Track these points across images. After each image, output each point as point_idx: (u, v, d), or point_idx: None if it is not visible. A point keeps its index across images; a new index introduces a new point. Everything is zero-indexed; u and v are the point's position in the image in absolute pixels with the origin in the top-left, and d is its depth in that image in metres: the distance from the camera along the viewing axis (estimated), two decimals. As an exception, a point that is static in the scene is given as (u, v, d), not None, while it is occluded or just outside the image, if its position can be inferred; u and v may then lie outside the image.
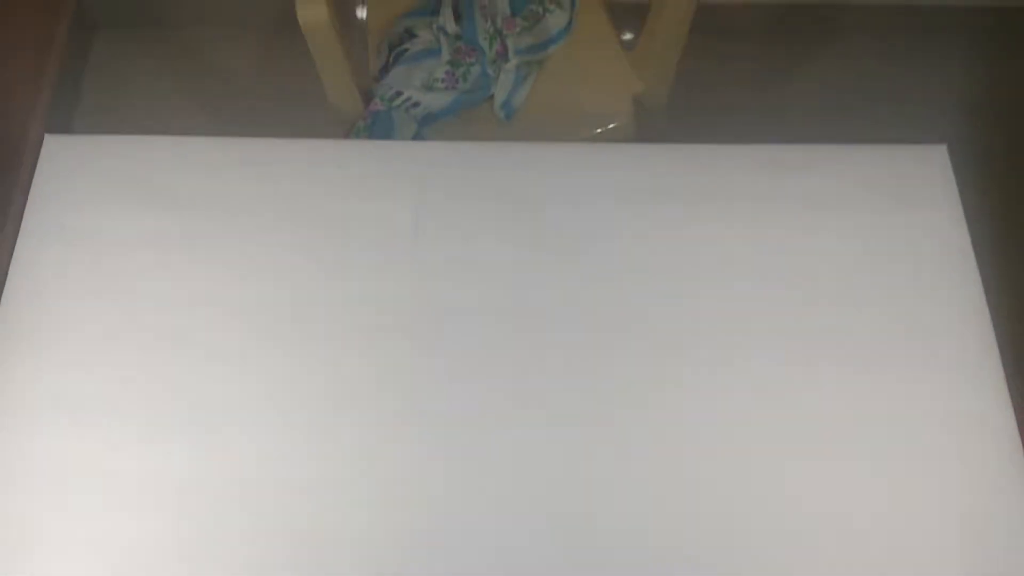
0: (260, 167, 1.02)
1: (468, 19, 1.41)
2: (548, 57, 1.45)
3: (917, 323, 0.94)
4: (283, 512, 0.86)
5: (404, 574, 0.85)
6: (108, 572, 0.84)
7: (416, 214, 0.99)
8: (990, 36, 2.06)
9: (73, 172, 1.01)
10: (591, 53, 1.47)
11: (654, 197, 1.00)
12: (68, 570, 0.84)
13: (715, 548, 0.86)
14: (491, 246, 0.98)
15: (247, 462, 0.88)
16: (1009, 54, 2.06)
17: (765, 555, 0.85)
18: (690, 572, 0.85)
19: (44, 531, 0.86)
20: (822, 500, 0.87)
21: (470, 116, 1.43)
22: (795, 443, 0.89)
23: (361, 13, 2.03)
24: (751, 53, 2.05)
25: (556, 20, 1.45)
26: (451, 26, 1.41)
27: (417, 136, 1.40)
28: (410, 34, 1.44)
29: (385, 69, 1.44)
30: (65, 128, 1.94)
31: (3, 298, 0.95)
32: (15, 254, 0.97)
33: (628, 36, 1.93)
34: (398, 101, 1.39)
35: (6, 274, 0.97)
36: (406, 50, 1.42)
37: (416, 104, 1.39)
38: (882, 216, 1.00)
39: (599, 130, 1.43)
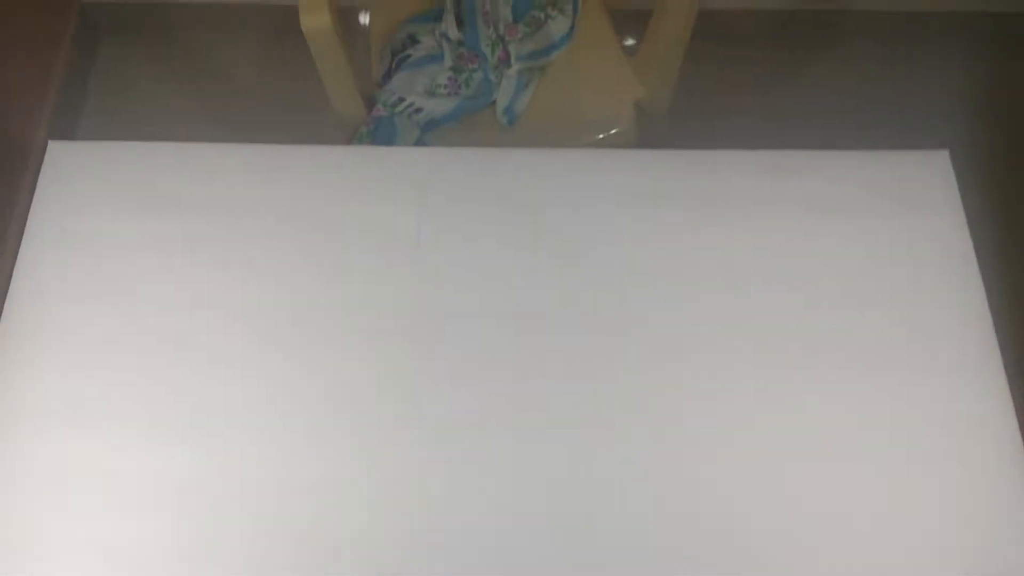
0: (263, 173, 1.02)
1: (470, 25, 1.42)
2: (550, 63, 1.46)
3: (919, 327, 0.94)
4: (283, 514, 0.87)
5: (404, 575, 0.85)
6: (109, 573, 0.84)
7: (418, 219, 1.00)
8: (991, 41, 2.07)
9: (76, 177, 1.01)
10: (593, 59, 1.47)
11: (655, 202, 1.01)
12: (69, 571, 0.84)
13: (715, 549, 0.86)
14: (493, 251, 0.98)
15: (248, 464, 0.89)
16: (1010, 59, 2.06)
17: (765, 556, 0.85)
18: (691, 573, 0.85)
19: (45, 532, 0.86)
20: (823, 502, 0.87)
21: (472, 122, 1.43)
22: (796, 445, 0.89)
23: (364, 19, 2.03)
24: (753, 58, 2.06)
25: (558, 26, 1.45)
26: (453, 32, 1.41)
27: (419, 142, 1.40)
28: (413, 40, 1.44)
29: (388, 75, 1.44)
30: (70, 132, 1.95)
31: (7, 301, 0.96)
32: (19, 258, 0.98)
33: (630, 42, 1.94)
34: (401, 107, 1.39)
35: (10, 278, 0.97)
36: (409, 56, 1.43)
37: (419, 110, 1.39)
38: (884, 221, 1.00)
39: (601, 136, 1.43)
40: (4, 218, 1.69)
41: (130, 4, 2.01)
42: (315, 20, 1.18)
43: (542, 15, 1.45)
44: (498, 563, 0.85)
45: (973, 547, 0.86)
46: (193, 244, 0.98)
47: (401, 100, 1.39)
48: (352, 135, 1.41)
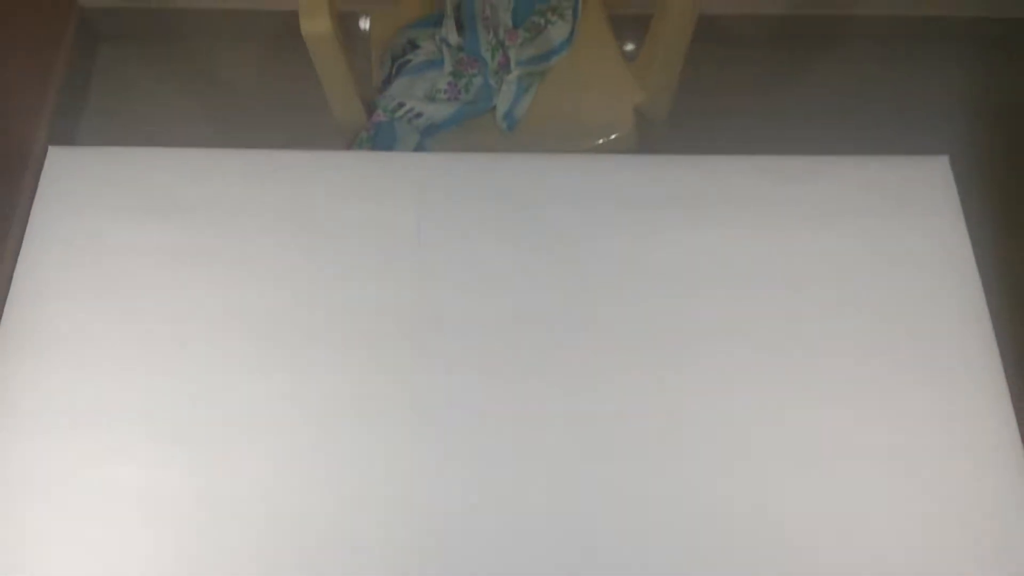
0: (263, 178, 1.02)
1: (470, 30, 1.42)
2: (550, 68, 1.46)
3: (919, 331, 0.95)
4: (286, 517, 0.87)
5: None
6: (110, 581, 0.84)
7: (418, 224, 1.00)
8: (991, 45, 2.07)
9: (76, 183, 1.02)
10: (593, 64, 1.47)
11: (655, 206, 1.01)
12: (68, 574, 0.85)
13: (715, 549, 0.86)
14: (493, 255, 0.98)
15: (250, 468, 0.88)
16: (1010, 63, 2.07)
17: (764, 555, 0.86)
18: (690, 574, 0.85)
19: (45, 536, 0.86)
20: (821, 502, 0.87)
21: (472, 127, 1.43)
22: (796, 447, 0.89)
23: (364, 24, 2.04)
24: (753, 63, 2.06)
25: (558, 31, 1.45)
26: (454, 37, 1.42)
27: (419, 147, 1.40)
28: (413, 45, 1.45)
29: (388, 80, 1.45)
30: (70, 133, 1.95)
31: (7, 307, 0.96)
32: (19, 261, 0.98)
33: (630, 47, 1.95)
34: (400, 112, 1.39)
35: (10, 281, 0.97)
36: (409, 61, 1.43)
37: (419, 115, 1.39)
38: (884, 225, 1.00)
39: (601, 140, 1.43)
40: (4, 220, 1.69)
41: (130, 9, 2.01)
42: (315, 25, 1.18)
43: (542, 20, 1.45)
44: (498, 562, 0.85)
45: (973, 549, 0.86)
46: (193, 249, 0.98)
47: (401, 105, 1.39)
48: (352, 140, 1.41)
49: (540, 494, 0.88)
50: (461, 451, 0.89)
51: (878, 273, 0.98)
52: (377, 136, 1.39)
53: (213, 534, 0.86)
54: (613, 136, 1.43)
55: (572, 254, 0.98)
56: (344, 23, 1.25)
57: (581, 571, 0.85)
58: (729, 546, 0.86)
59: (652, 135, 1.48)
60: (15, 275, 0.97)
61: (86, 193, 1.01)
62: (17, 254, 0.98)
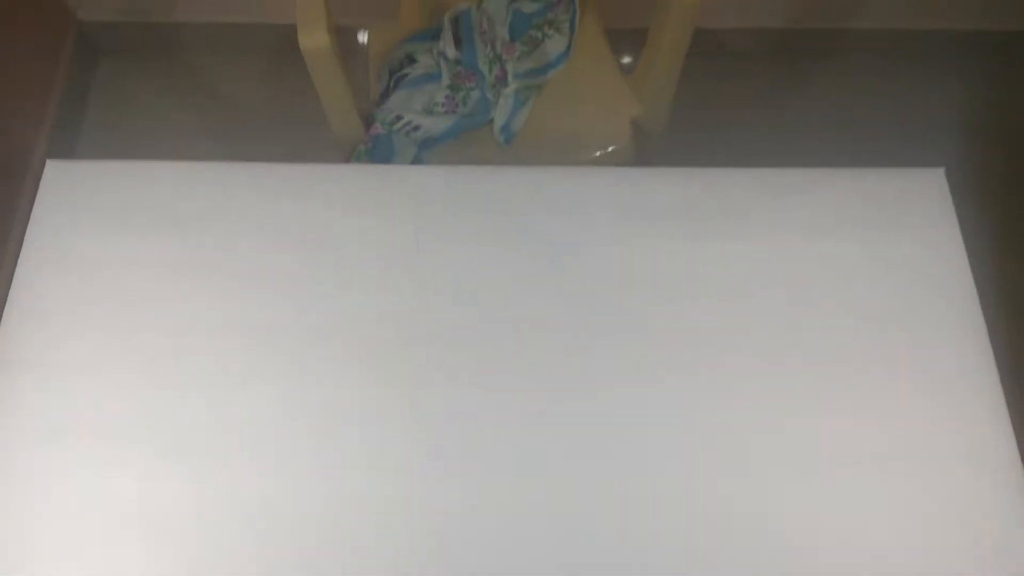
0: (261, 191, 1.02)
1: (468, 44, 1.43)
2: (547, 81, 1.46)
3: (916, 342, 0.95)
4: (285, 526, 0.87)
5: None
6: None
7: (416, 236, 1.00)
8: (989, 59, 2.08)
9: (74, 197, 1.02)
10: (590, 77, 1.48)
11: (653, 218, 1.01)
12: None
13: (716, 554, 0.86)
14: (491, 267, 0.98)
15: (249, 478, 0.88)
16: (1007, 76, 2.08)
17: (765, 561, 0.86)
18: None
19: (41, 552, 0.86)
20: (819, 511, 0.88)
21: (470, 140, 1.43)
22: (794, 457, 0.90)
23: (362, 38, 2.05)
24: (750, 75, 2.07)
25: (555, 45, 1.46)
26: (451, 51, 1.42)
27: (417, 160, 1.40)
28: (411, 59, 1.45)
29: (386, 94, 1.45)
30: (70, 144, 1.95)
31: (4, 319, 0.96)
32: (16, 275, 0.98)
33: (627, 60, 1.95)
34: (398, 125, 1.40)
35: (6, 297, 0.97)
36: (406, 75, 1.44)
37: (416, 128, 1.40)
38: (881, 237, 1.00)
39: (598, 153, 1.44)
40: (3, 232, 1.69)
41: (129, 23, 2.02)
42: (313, 40, 1.19)
43: (539, 34, 1.46)
44: (497, 565, 0.85)
45: (971, 558, 0.86)
46: (192, 262, 0.98)
47: (399, 118, 1.40)
48: (350, 153, 1.42)
49: (539, 500, 0.88)
50: (460, 458, 0.90)
51: (875, 283, 0.98)
52: (375, 149, 1.39)
53: (213, 545, 0.86)
54: (610, 148, 1.44)
55: (569, 266, 0.99)
56: (342, 37, 1.26)
57: (581, 574, 0.85)
58: (730, 549, 0.86)
59: (649, 148, 1.48)
60: (12, 287, 0.97)
61: (84, 206, 1.01)
62: (15, 266, 0.98)
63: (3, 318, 0.96)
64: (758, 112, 2.02)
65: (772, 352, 0.94)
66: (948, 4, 1.96)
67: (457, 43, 1.43)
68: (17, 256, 0.99)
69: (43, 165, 1.03)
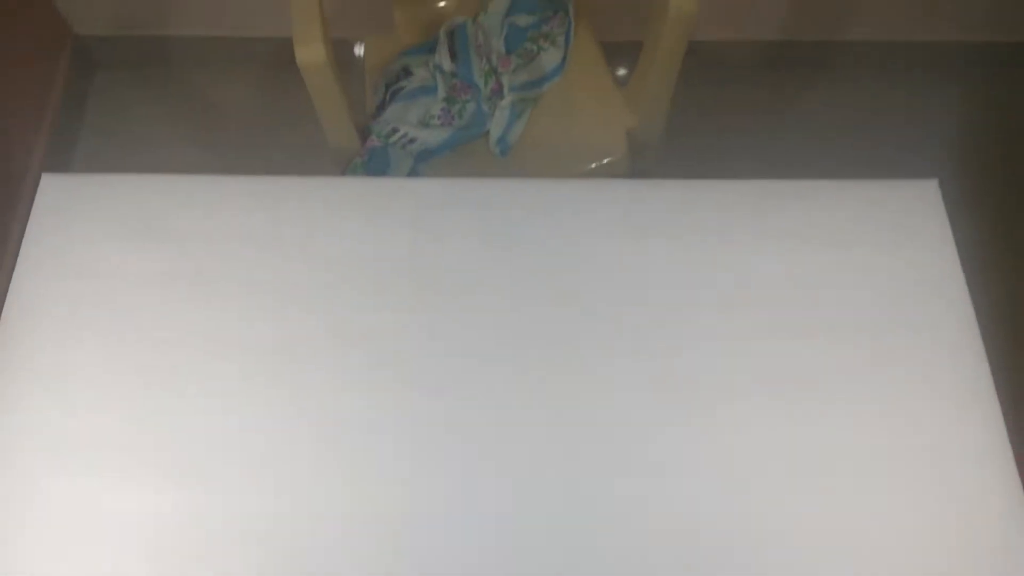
0: (257, 204, 1.02)
1: (464, 57, 1.43)
2: (543, 94, 1.47)
3: (910, 354, 0.95)
4: (280, 546, 0.86)
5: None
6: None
7: (412, 249, 1.00)
8: (984, 70, 2.09)
9: (69, 210, 1.02)
10: (585, 89, 1.49)
11: (648, 231, 1.01)
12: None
13: (716, 556, 0.86)
14: (486, 280, 0.98)
15: (246, 491, 0.88)
16: (1002, 88, 2.09)
17: (765, 562, 0.86)
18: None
19: (34, 557, 0.85)
20: (817, 525, 0.88)
21: (466, 152, 1.44)
22: (789, 471, 0.90)
23: (359, 51, 2.05)
24: (745, 87, 2.08)
25: (550, 58, 1.47)
26: (447, 64, 1.43)
27: (413, 172, 1.41)
28: (407, 72, 1.46)
29: (382, 106, 1.46)
30: (65, 163, 1.95)
31: (-1, 334, 0.96)
32: (11, 289, 0.98)
33: (622, 72, 1.96)
34: (394, 137, 1.40)
35: (2, 308, 0.97)
36: (403, 87, 1.44)
37: (412, 140, 1.40)
38: (874, 249, 1.01)
39: (594, 165, 1.44)
40: (-2, 249, 1.69)
41: (124, 36, 2.02)
42: (310, 53, 1.19)
43: (534, 47, 1.47)
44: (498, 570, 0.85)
45: (970, 552, 0.86)
46: (187, 274, 0.98)
47: (395, 131, 1.40)
48: (346, 166, 1.42)
49: (539, 508, 0.88)
50: (460, 469, 0.89)
51: (870, 294, 0.98)
52: (371, 161, 1.40)
53: (212, 559, 0.85)
54: (606, 160, 1.44)
55: (565, 278, 0.99)
56: (338, 50, 1.26)
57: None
58: (730, 550, 0.86)
59: (645, 159, 1.49)
60: (8, 299, 0.97)
61: (79, 220, 1.01)
62: (10, 280, 0.98)
63: (0, 331, 0.96)
64: (754, 123, 2.03)
65: (768, 361, 0.95)
66: (942, 17, 1.97)
67: (453, 56, 1.43)
68: (13, 268, 0.99)
69: (39, 175, 1.03)
